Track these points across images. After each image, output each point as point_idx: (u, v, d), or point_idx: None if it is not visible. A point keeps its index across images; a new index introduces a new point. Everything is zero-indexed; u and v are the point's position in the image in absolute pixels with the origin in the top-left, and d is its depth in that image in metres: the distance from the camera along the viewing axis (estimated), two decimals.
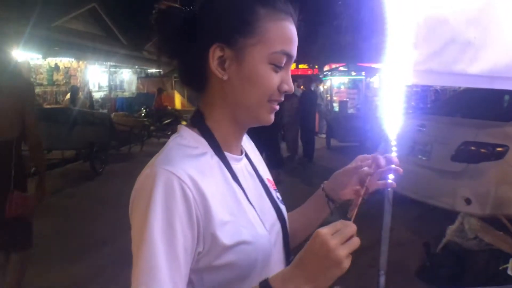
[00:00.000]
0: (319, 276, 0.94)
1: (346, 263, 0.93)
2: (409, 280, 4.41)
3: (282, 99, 1.15)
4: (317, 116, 14.16)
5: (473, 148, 5.11)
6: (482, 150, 5.03)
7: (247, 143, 1.33)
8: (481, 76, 2.15)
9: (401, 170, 1.22)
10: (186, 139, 1.11)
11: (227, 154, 1.15)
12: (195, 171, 1.02)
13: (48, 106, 13.27)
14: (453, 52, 2.13)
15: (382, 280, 2.51)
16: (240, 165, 1.21)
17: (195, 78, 1.14)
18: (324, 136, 15.13)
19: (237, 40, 1.06)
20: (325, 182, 1.35)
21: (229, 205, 1.07)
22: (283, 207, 1.30)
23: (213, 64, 1.07)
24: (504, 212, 4.67)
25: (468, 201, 4.95)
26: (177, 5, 1.10)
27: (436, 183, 5.45)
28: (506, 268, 2.36)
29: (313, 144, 11.69)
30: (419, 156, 5.72)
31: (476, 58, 2.13)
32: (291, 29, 1.11)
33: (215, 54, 1.07)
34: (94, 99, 17.38)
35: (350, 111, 15.54)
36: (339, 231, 0.95)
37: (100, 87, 20.81)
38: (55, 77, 15.85)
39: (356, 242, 0.95)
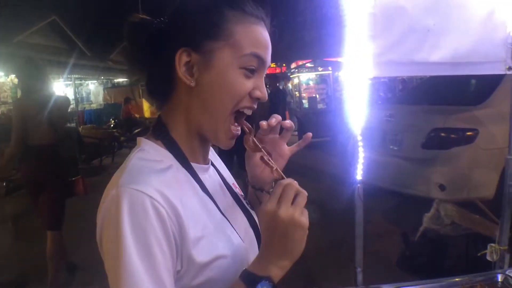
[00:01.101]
0: (290, 246, 0.97)
1: (304, 220, 0.95)
2: (389, 270, 4.40)
3: (255, 106, 1.10)
4: (287, 114, 14.20)
5: (443, 134, 5.13)
6: (452, 136, 5.05)
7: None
8: (443, 63, 2.14)
9: (288, 123, 1.21)
10: (149, 152, 1.05)
11: (194, 165, 1.10)
12: (164, 187, 0.95)
13: None
14: (413, 41, 2.11)
15: (360, 277, 2.49)
16: (208, 175, 1.16)
17: (162, 87, 1.09)
18: (296, 133, 15.18)
19: (204, 43, 1.01)
20: (247, 178, 1.32)
21: (201, 218, 1.02)
22: (253, 213, 1.27)
23: (180, 70, 1.02)
24: (479, 195, 4.71)
25: (442, 187, 4.98)
26: (148, 17, 1.06)
27: (409, 172, 5.46)
28: (485, 254, 2.35)
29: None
30: (391, 146, 5.73)
31: (436, 46, 2.12)
32: (262, 33, 1.06)
33: (181, 59, 1.02)
34: None
35: (320, 106, 15.60)
36: (281, 197, 0.96)
37: None
38: (19, 95, 15.54)
39: (302, 196, 0.97)
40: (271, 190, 1.25)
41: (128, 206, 0.90)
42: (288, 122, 1.19)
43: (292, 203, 0.97)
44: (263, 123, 1.16)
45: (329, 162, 9.14)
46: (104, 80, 23.60)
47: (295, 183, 1.00)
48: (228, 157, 7.23)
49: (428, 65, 2.14)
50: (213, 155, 1.32)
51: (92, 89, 23.52)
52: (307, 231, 0.97)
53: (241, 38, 1.02)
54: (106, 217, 0.93)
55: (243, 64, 1.03)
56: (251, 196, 1.34)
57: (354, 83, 2.19)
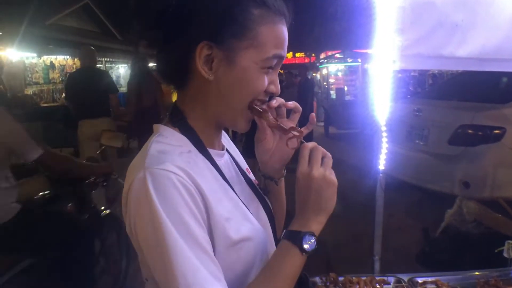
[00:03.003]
0: (324, 202, 1.06)
1: (334, 178, 1.06)
2: (409, 265, 4.39)
3: (267, 99, 1.13)
4: (314, 104, 14.13)
5: (470, 131, 5.09)
6: (479, 133, 5.01)
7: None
8: (470, 58, 2.13)
9: (291, 104, 1.19)
10: (168, 138, 1.08)
11: (210, 150, 1.13)
12: (188, 168, 0.98)
13: (45, 105, 13.19)
14: (440, 35, 2.11)
15: (377, 265, 2.51)
16: (223, 161, 1.19)
17: (177, 73, 1.10)
18: (322, 124, 15.10)
19: (229, 41, 1.02)
20: (258, 167, 1.33)
21: (224, 201, 1.06)
22: (266, 198, 1.30)
23: (200, 62, 1.03)
24: (502, 194, 4.65)
25: (466, 185, 4.94)
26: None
27: (434, 168, 5.44)
28: (502, 250, 2.34)
29: (311, 133, 11.59)
30: (417, 141, 5.71)
31: (464, 41, 2.12)
32: (284, 31, 1.08)
33: (202, 52, 1.03)
34: None
35: (347, 98, 15.47)
36: (311, 159, 1.06)
37: None
38: (51, 75, 15.67)
39: (328, 157, 1.08)
40: (282, 178, 1.31)
41: (158, 185, 0.93)
42: (291, 103, 1.18)
43: (321, 164, 1.05)
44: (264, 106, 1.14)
45: (354, 154, 9.08)
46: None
47: (319, 146, 1.08)
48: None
49: (455, 60, 2.14)
50: (226, 141, 1.35)
51: (122, 73, 23.60)
52: (336, 188, 1.07)
53: (265, 39, 1.04)
54: (137, 201, 0.96)
55: (265, 64, 1.05)
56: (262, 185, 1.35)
57: (381, 75, 2.21)
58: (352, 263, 4.15)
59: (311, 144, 1.09)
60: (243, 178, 1.27)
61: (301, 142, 1.13)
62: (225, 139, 1.34)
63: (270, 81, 1.09)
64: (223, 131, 1.29)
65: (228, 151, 1.29)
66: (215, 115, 1.12)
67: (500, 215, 4.16)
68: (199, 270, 0.91)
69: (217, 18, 1.01)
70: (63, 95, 13.25)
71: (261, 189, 1.31)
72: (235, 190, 1.14)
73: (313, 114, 1.24)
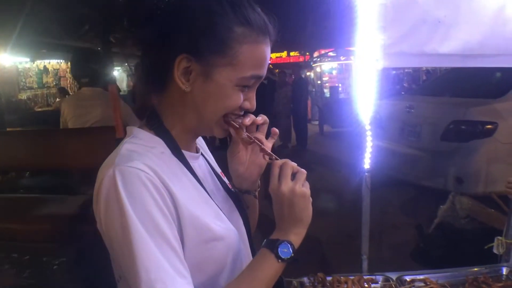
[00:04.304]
0: (299, 215, 1.09)
1: (305, 189, 1.08)
2: (404, 261, 4.40)
3: (242, 113, 1.13)
4: (309, 103, 14.10)
5: (462, 126, 5.09)
6: (472, 129, 5.01)
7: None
8: (453, 55, 2.12)
9: (260, 119, 1.21)
10: (142, 139, 1.08)
11: (185, 152, 1.14)
12: (157, 166, 0.99)
13: (40, 109, 13.15)
14: (423, 32, 2.11)
15: (365, 264, 2.51)
16: (198, 163, 1.20)
17: (157, 78, 1.10)
18: (316, 122, 15.07)
19: (208, 56, 1.02)
20: (232, 183, 1.34)
21: (195, 200, 1.06)
22: (241, 200, 1.31)
23: (177, 73, 1.03)
24: (495, 189, 4.64)
25: (459, 180, 4.95)
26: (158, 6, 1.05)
27: (427, 164, 5.45)
28: (492, 247, 2.34)
29: (306, 131, 11.65)
30: (409, 138, 5.71)
31: (447, 37, 2.11)
32: (266, 51, 1.07)
33: (181, 64, 1.03)
34: None
35: (341, 96, 15.44)
36: (280, 175, 1.09)
37: None
38: (44, 80, 15.59)
39: (301, 173, 1.11)
40: (258, 189, 1.32)
41: (126, 182, 0.94)
42: (260, 119, 1.20)
43: (293, 179, 1.07)
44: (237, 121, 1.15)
45: (349, 152, 9.07)
46: (129, 67, 23.59)
47: (290, 162, 1.10)
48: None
49: (439, 57, 2.13)
50: (201, 143, 1.35)
51: (116, 76, 23.55)
52: (311, 199, 1.11)
53: (244, 59, 1.03)
54: (106, 197, 0.95)
55: (241, 83, 1.05)
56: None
57: (365, 73, 2.20)
58: (345, 261, 4.15)
59: (280, 162, 1.12)
60: (217, 181, 1.28)
61: (275, 158, 1.16)
62: (200, 143, 1.35)
63: (245, 98, 1.10)
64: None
65: (203, 155, 1.30)
66: (192, 124, 1.12)
67: (493, 210, 4.16)
68: (163, 266, 0.91)
69: (198, 33, 1.01)
70: (57, 99, 13.27)
71: (236, 192, 1.32)
72: (209, 191, 1.15)
73: (274, 128, 1.26)
